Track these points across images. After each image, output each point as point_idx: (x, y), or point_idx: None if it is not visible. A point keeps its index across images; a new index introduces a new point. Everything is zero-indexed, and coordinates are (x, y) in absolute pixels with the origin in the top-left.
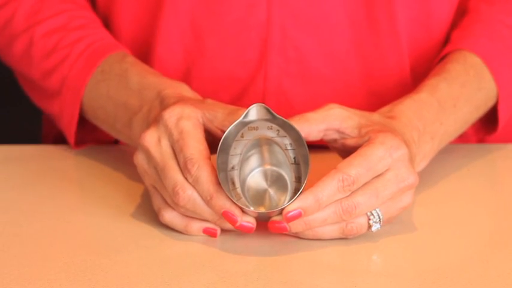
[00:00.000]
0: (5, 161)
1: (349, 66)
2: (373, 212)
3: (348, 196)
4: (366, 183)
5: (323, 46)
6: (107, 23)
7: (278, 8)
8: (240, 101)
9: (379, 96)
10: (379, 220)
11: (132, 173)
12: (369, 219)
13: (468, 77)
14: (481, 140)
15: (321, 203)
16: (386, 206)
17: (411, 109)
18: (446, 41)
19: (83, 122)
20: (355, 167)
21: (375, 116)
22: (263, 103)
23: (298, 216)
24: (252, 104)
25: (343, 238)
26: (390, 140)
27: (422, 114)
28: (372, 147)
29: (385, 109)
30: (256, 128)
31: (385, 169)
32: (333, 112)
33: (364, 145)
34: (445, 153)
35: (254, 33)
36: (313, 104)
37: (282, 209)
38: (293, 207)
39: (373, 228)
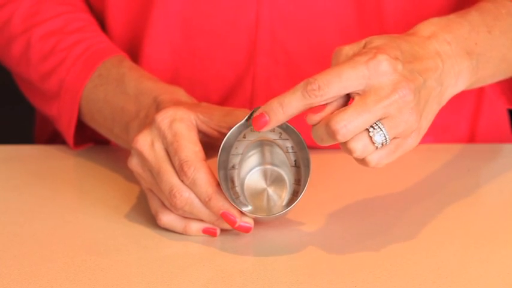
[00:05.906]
0: (4, 161)
1: None
2: (372, 124)
3: (335, 114)
4: (357, 101)
5: (312, 49)
6: (101, 23)
7: (267, 10)
8: (228, 101)
9: None
10: (381, 129)
11: (131, 173)
12: (369, 132)
13: (500, 14)
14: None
15: (284, 105)
16: (387, 121)
17: (437, 24)
18: None
19: (82, 124)
20: (323, 73)
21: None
22: (251, 104)
23: (265, 122)
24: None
25: (344, 238)
26: (373, 56)
27: (452, 30)
28: (348, 61)
29: (409, 31)
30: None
31: (363, 83)
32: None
33: None
34: (445, 153)
35: (243, 35)
36: None
37: (279, 215)
38: (258, 111)
39: (377, 139)
